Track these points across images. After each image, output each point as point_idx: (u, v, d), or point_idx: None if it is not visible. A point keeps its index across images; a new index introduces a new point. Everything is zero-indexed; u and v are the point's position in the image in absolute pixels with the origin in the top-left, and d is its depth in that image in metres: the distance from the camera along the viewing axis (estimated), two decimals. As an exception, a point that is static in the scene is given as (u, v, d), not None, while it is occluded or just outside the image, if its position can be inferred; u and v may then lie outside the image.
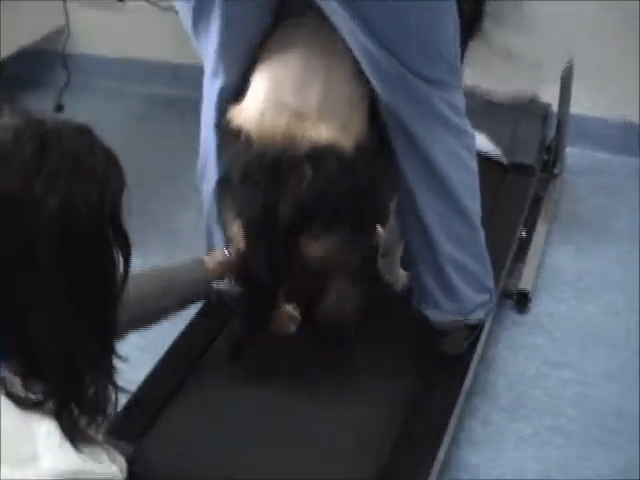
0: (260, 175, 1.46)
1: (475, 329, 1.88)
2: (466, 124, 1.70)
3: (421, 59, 1.57)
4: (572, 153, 2.88)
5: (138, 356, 1.97)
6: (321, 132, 1.47)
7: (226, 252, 1.70)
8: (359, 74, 1.58)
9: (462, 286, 1.78)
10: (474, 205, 1.75)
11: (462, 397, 1.85)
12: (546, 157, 2.73)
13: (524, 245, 2.43)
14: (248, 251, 1.56)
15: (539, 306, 2.33)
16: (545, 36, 2.77)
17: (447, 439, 1.75)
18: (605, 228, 2.62)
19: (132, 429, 1.66)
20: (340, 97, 1.54)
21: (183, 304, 1.66)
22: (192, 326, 1.97)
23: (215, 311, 1.95)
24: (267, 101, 1.52)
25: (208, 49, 1.64)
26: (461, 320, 1.82)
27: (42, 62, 3.72)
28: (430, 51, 1.58)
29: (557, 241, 2.58)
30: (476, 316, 1.85)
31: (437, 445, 1.71)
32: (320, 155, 1.45)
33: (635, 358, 2.11)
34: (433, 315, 1.81)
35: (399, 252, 1.96)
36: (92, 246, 1.00)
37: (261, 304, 1.69)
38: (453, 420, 1.79)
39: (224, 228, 1.68)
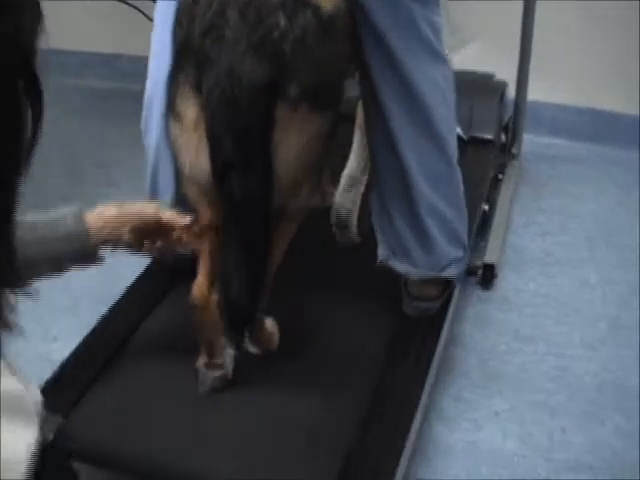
0: (225, 25, 1.20)
1: (447, 288, 1.70)
2: (444, 51, 1.54)
3: None
4: (530, 140, 2.76)
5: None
6: None
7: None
8: None
9: (438, 237, 1.60)
10: (453, 141, 1.59)
11: (433, 371, 1.66)
12: (504, 138, 2.60)
13: (487, 220, 2.28)
14: (212, 140, 1.24)
15: (506, 282, 2.16)
16: (501, 16, 2.65)
17: (418, 416, 1.56)
18: (569, 211, 2.47)
19: (61, 401, 1.45)
20: None
21: (52, 263, 1.33)
22: (130, 292, 1.77)
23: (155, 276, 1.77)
24: None
25: None
26: (434, 276, 1.64)
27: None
28: None
29: (520, 224, 2.42)
30: (449, 273, 1.66)
31: (408, 422, 1.51)
32: (295, 5, 1.22)
33: (613, 329, 1.96)
34: (404, 270, 1.62)
35: (363, 184, 1.80)
36: None
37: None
38: (425, 395, 1.60)
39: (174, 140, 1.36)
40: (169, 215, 1.42)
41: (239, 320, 1.40)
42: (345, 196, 1.88)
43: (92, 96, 3.30)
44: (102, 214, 1.38)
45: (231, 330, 1.43)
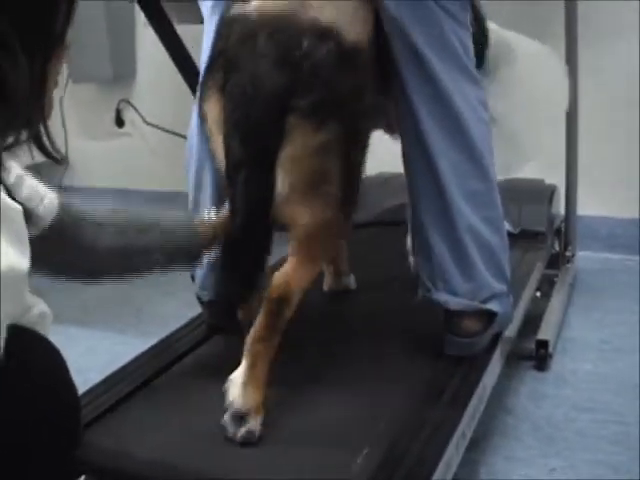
0: (258, 41, 1.31)
1: (490, 325, 1.61)
2: (477, 75, 1.55)
3: None
4: (585, 256, 2.73)
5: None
6: (325, 14, 1.34)
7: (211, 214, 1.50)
8: None
9: (478, 261, 1.54)
10: (491, 161, 1.56)
11: (470, 410, 1.52)
12: (557, 241, 2.58)
13: (539, 306, 2.22)
14: (226, 138, 1.33)
15: (561, 365, 2.06)
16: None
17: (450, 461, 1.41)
18: (628, 308, 2.36)
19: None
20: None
21: (168, 254, 1.42)
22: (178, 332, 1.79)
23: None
24: None
25: None
26: (475, 307, 1.56)
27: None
28: None
29: (576, 320, 2.33)
30: (492, 306, 1.58)
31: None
32: (320, 33, 1.32)
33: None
34: (444, 300, 1.56)
35: None
36: None
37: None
38: (455, 440, 1.44)
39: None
40: None
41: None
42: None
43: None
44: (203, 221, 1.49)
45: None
